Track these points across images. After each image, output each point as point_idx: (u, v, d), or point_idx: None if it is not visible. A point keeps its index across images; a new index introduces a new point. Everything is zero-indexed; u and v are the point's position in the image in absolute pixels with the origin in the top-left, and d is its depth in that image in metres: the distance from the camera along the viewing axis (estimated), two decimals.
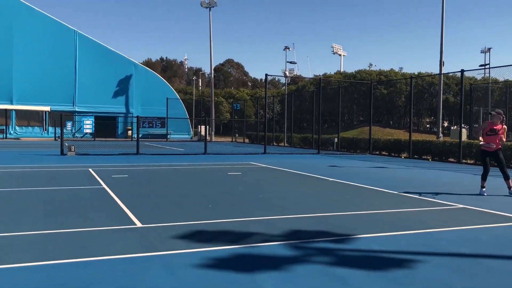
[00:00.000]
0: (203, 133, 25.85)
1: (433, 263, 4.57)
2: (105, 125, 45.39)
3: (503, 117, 9.68)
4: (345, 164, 17.59)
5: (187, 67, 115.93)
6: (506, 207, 7.91)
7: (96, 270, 4.16)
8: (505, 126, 9.62)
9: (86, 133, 44.86)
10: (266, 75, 24.58)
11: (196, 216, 6.68)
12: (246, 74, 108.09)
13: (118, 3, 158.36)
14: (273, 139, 38.81)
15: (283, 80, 43.49)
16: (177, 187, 9.88)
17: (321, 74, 69.09)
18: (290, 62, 42.77)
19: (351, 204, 7.97)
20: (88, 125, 44.72)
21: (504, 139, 9.59)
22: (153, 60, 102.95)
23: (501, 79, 32.49)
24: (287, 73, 42.89)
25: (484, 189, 9.44)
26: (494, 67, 21.81)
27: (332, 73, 69.47)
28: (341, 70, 77.79)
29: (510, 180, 9.40)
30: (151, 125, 47.92)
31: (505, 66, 22.30)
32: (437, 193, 9.48)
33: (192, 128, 52.63)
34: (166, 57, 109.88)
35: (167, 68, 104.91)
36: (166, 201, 8.06)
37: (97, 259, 4.48)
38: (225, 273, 4.14)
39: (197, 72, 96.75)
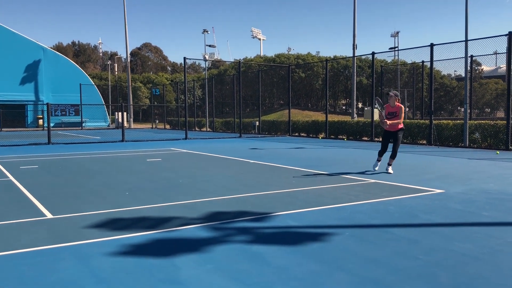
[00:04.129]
0: (120, 120, 24.93)
1: (346, 235, 4.80)
2: (13, 114, 42.31)
3: (398, 98, 9.48)
4: (266, 146, 17.89)
5: (102, 51, 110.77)
6: (412, 180, 8.51)
7: None
8: (402, 106, 9.44)
9: None
10: (185, 58, 24.10)
11: (113, 204, 6.45)
12: (165, 58, 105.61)
13: None
14: (195, 124, 38.47)
15: (204, 64, 43.09)
16: (93, 176, 9.48)
17: (241, 58, 69.36)
18: (210, 46, 42.36)
19: (270, 184, 8.13)
20: None
21: (401, 120, 9.40)
22: (64, 44, 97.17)
23: (408, 61, 34.66)
24: (206, 56, 42.45)
25: (378, 163, 9.76)
26: (401, 50, 23.18)
27: (252, 57, 69.99)
28: (261, 54, 78.61)
29: (393, 160, 9.61)
30: (64, 113, 45.38)
31: (411, 48, 23.78)
32: (350, 171, 9.97)
33: (109, 115, 50.61)
34: (79, 41, 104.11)
35: (80, 53, 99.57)
36: (80, 190, 7.69)
37: None
38: (142, 259, 4.05)
39: (113, 56, 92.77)
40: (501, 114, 41.61)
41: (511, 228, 5.07)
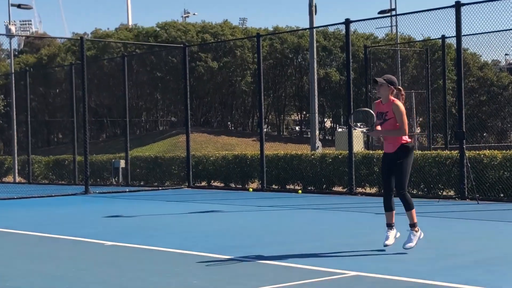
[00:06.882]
0: None
1: None
2: None
3: (396, 90, 9.66)
4: (139, 210, 18.30)
5: None
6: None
7: None
8: (398, 104, 9.51)
9: None
10: None
11: None
12: None
13: None
14: None
15: (9, 43, 42.00)
16: None
17: (89, 32, 69.29)
18: (21, 6, 41.50)
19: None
20: None
21: (405, 129, 9.48)
22: None
23: (418, 37, 35.71)
24: (13, 28, 41.65)
25: (390, 232, 9.58)
26: (403, 14, 23.68)
27: (113, 29, 70.31)
28: (130, 24, 79.38)
29: (409, 211, 9.58)
30: None
31: (425, 11, 23.53)
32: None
33: None
34: None
35: None
36: None
37: None
38: None
39: None
40: None
41: None
